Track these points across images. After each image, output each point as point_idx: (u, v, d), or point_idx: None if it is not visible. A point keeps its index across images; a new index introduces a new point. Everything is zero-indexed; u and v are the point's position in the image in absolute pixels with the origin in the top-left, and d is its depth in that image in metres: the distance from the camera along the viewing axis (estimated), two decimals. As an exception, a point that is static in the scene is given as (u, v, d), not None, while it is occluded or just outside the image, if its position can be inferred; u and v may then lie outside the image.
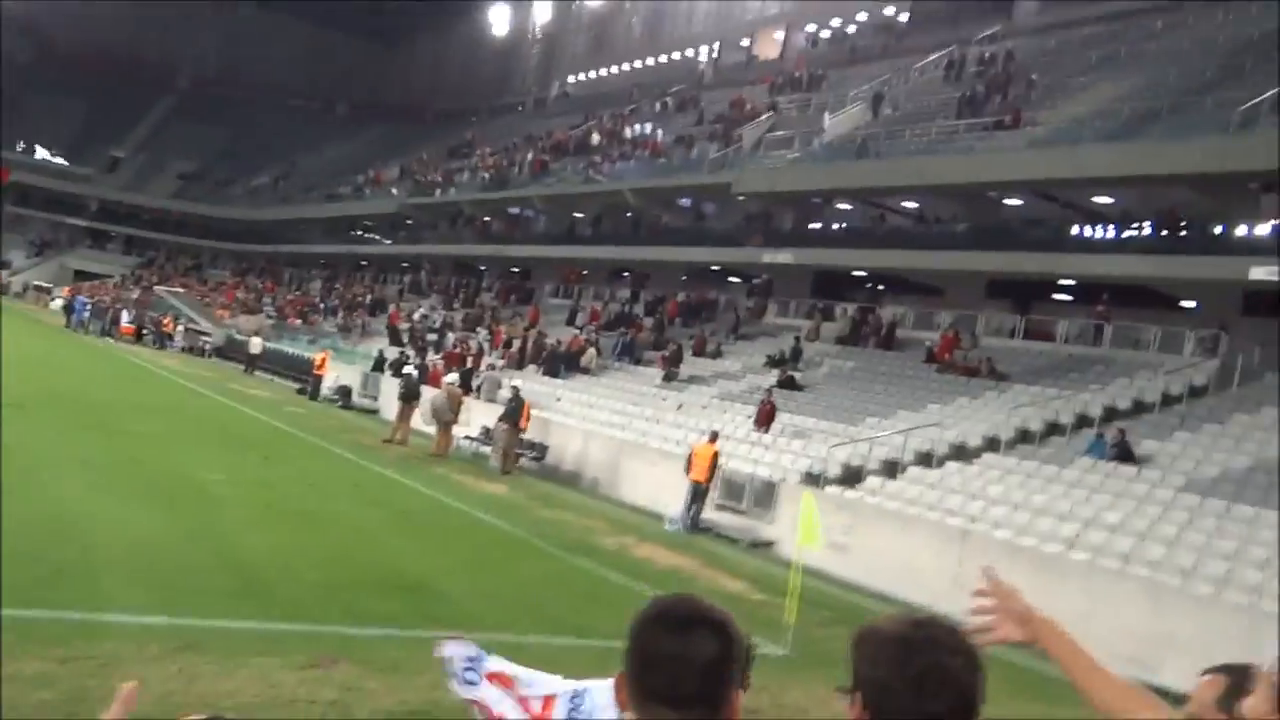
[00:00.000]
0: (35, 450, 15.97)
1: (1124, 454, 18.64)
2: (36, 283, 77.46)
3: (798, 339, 30.28)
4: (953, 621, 2.10)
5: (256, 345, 45.04)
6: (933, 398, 24.06)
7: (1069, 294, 28.81)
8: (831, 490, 19.92)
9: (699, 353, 32.00)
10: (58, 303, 62.93)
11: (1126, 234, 25.93)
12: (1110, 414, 21.11)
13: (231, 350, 49.27)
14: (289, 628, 9.19)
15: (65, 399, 23.09)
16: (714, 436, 21.26)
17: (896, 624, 2.05)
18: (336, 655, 8.60)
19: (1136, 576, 14.91)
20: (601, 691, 3.12)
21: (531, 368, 33.85)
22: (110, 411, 22.40)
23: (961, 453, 20.94)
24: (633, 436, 25.48)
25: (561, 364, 32.99)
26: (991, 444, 20.95)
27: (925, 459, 20.85)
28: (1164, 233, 24.53)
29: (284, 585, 10.75)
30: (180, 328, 53.71)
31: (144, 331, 52.74)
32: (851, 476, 20.79)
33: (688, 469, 20.68)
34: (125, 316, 53.59)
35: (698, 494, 20.60)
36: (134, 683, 1.86)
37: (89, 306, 55.65)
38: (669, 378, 29.92)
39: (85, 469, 15.23)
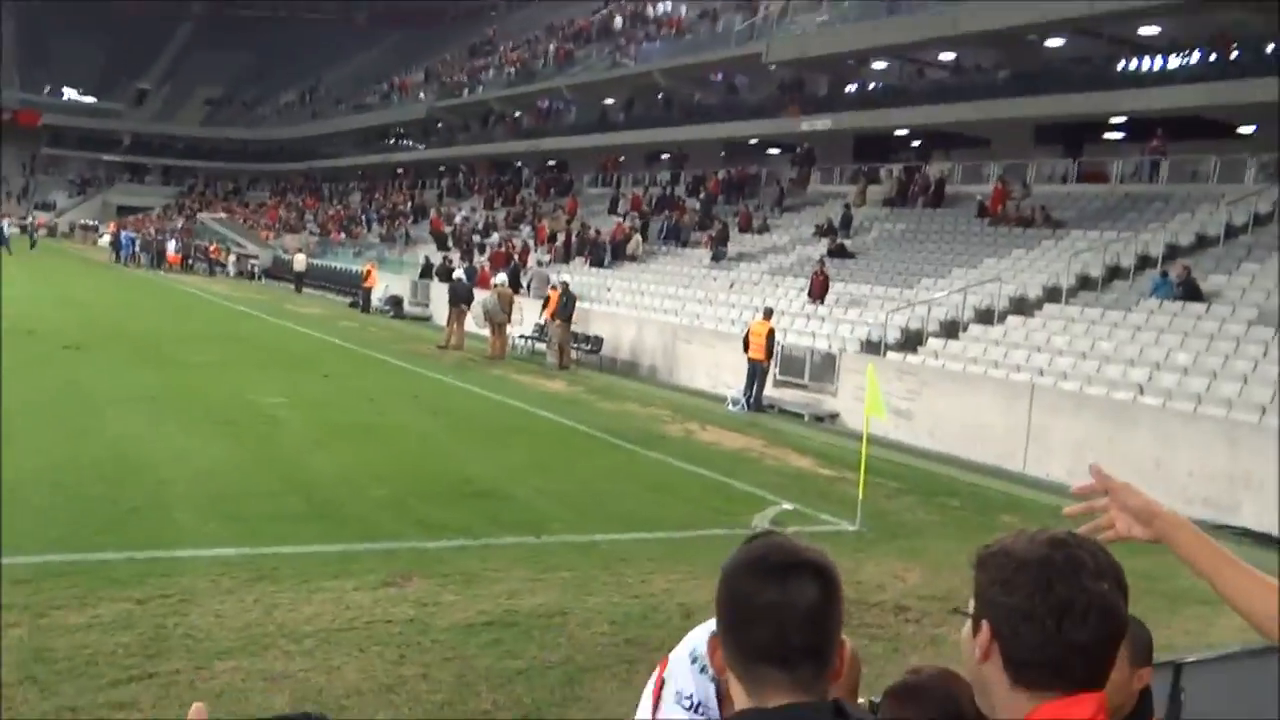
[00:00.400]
0: (98, 390, 16.17)
1: (1190, 292, 18.10)
2: (82, 221, 78.33)
3: (846, 206, 29.66)
4: (1095, 539, 1.86)
5: (301, 263, 45.26)
6: (988, 252, 23.53)
7: (1120, 132, 27.78)
8: (892, 356, 19.64)
9: (745, 229, 31.51)
10: (105, 239, 63.51)
11: (1176, 63, 24.81)
12: (1173, 252, 20.47)
13: (279, 270, 49.56)
14: (361, 547, 9.22)
15: (122, 336, 23.35)
16: (769, 313, 20.99)
17: (1032, 544, 1.79)
18: (410, 571, 8.63)
19: (1210, 417, 14.56)
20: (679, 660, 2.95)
21: (578, 260, 33.62)
22: (167, 344, 22.57)
23: (1022, 306, 20.50)
24: (686, 320, 25.30)
25: (607, 254, 32.71)
26: (1052, 294, 20.46)
27: (985, 316, 20.45)
28: (1215, 58, 23.41)
29: (352, 504, 10.78)
30: (231, 255, 54.00)
31: (190, 260, 53.15)
32: (911, 341, 20.47)
33: (745, 348, 20.51)
34: (171, 247, 53.99)
35: (757, 373, 20.45)
36: (202, 703, 1.71)
37: (136, 240, 56.15)
38: (717, 257, 29.56)
39: (148, 404, 15.35)
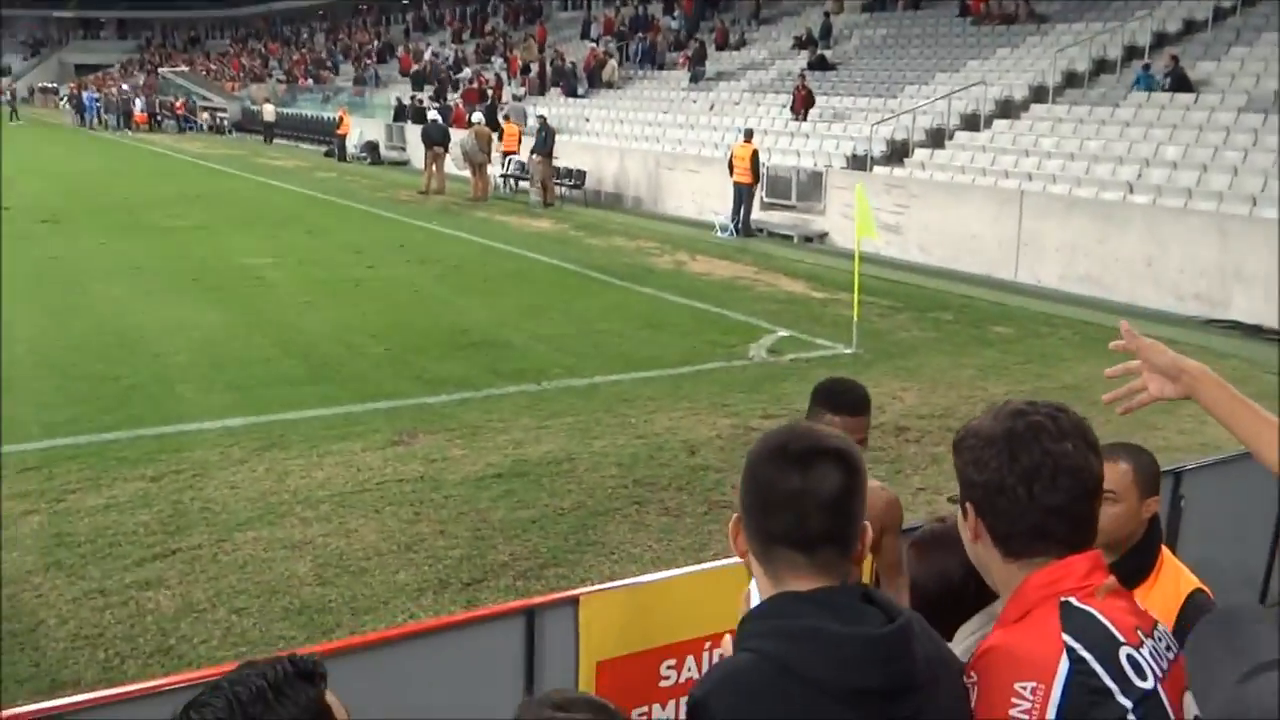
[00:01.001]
0: (81, 264, 16.03)
1: (1179, 82, 17.81)
2: (40, 84, 76.06)
3: (825, 14, 28.85)
4: (1056, 403, 1.89)
5: (270, 113, 44.38)
6: (971, 54, 23.02)
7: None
8: (879, 170, 19.48)
9: (722, 46, 30.73)
10: (65, 102, 61.89)
11: None
12: (1160, 41, 20.08)
13: (249, 123, 48.50)
14: (363, 408, 9.31)
15: (99, 205, 23.04)
16: (749, 135, 20.67)
17: (996, 420, 1.86)
18: (415, 428, 8.75)
19: (1201, 211, 14.54)
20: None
21: (554, 91, 32.89)
22: (145, 210, 22.30)
23: (1008, 108, 20.20)
24: (668, 148, 24.94)
25: (583, 82, 31.97)
26: (1038, 94, 20.14)
27: (971, 121, 20.17)
28: None
29: (351, 363, 10.84)
30: (204, 113, 52.65)
31: (159, 118, 51.91)
32: (898, 153, 20.25)
33: (730, 172, 20.29)
34: (138, 105, 52.65)
35: (743, 196, 20.30)
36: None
37: (99, 101, 54.74)
38: (695, 78, 28.93)
39: (134, 275, 15.26)
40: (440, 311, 13.30)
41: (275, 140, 42.92)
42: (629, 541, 6.71)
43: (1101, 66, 20.15)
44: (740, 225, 20.27)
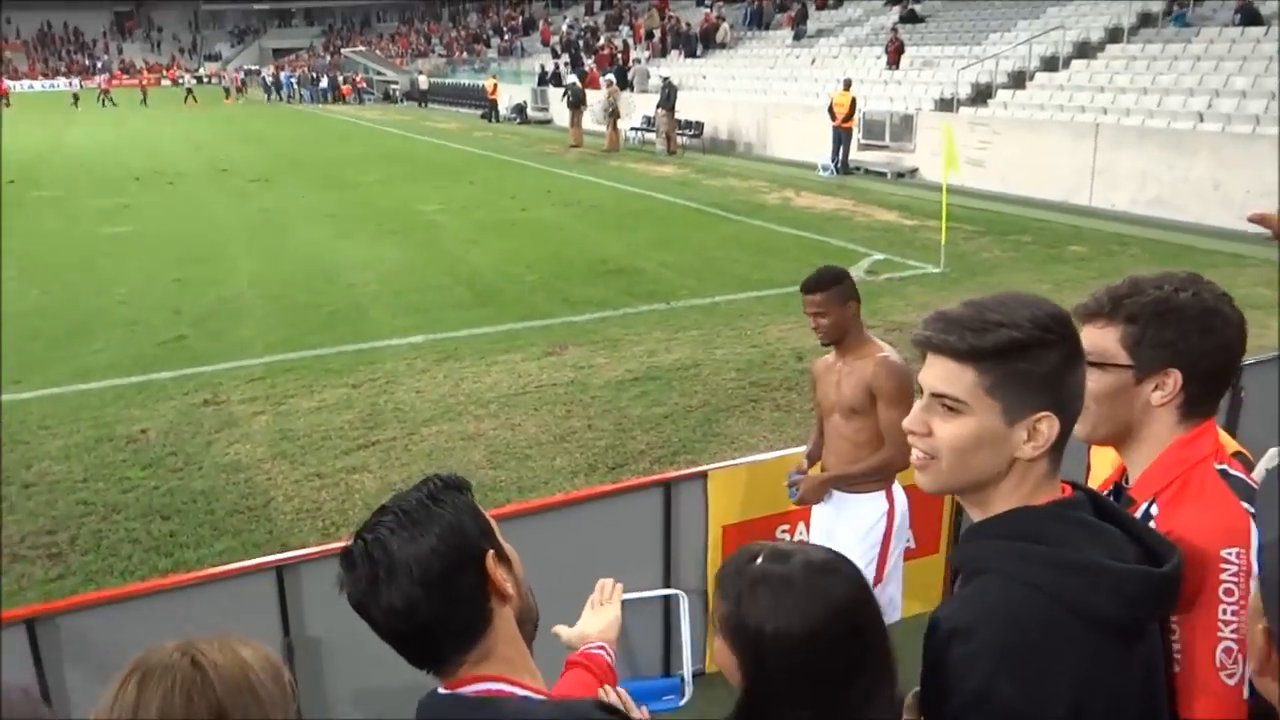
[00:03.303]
0: (287, 214, 16.61)
1: (1249, 17, 16.61)
2: (246, 66, 78.18)
3: (913, -28, 27.59)
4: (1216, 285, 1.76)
5: (424, 82, 45.34)
6: (1051, 1, 21.82)
7: None
8: (964, 111, 18.75)
9: (821, 6, 29.72)
10: (269, 79, 63.51)
11: None
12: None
13: (416, 93, 49.06)
14: (521, 326, 9.51)
15: (298, 165, 23.73)
16: (848, 84, 20.09)
17: (1198, 297, 1.69)
18: (565, 341, 8.92)
19: (1267, 136, 13.62)
20: None
21: (674, 53, 32.40)
22: (336, 167, 22.89)
23: (1085, 50, 19.14)
24: (775, 98, 24.40)
25: (699, 44, 31.40)
26: (1114, 35, 19.02)
27: (1050, 63, 19.19)
28: None
29: (510, 289, 11.06)
30: (374, 81, 53.54)
31: (339, 91, 52.90)
32: (982, 95, 19.44)
33: (831, 117, 19.79)
34: (324, 81, 53.78)
35: (842, 139, 19.81)
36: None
37: (294, 79, 56.06)
38: (798, 36, 28.13)
39: (330, 222, 15.75)
40: (582, 245, 13.41)
41: (437, 106, 43.39)
42: (747, 433, 6.77)
43: (1174, 4, 18.89)
44: (840, 164, 19.81)
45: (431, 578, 1.40)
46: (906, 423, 1.48)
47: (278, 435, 6.98)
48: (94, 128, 36.32)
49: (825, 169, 19.89)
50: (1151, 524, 1.62)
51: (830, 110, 19.80)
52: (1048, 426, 1.41)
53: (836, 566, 1.48)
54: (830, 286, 3.62)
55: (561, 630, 2.03)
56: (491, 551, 1.47)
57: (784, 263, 11.91)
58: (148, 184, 20.74)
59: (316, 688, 3.58)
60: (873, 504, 3.70)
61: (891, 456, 3.56)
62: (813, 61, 25.88)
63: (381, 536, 1.42)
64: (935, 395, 1.43)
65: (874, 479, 3.66)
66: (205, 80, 64.17)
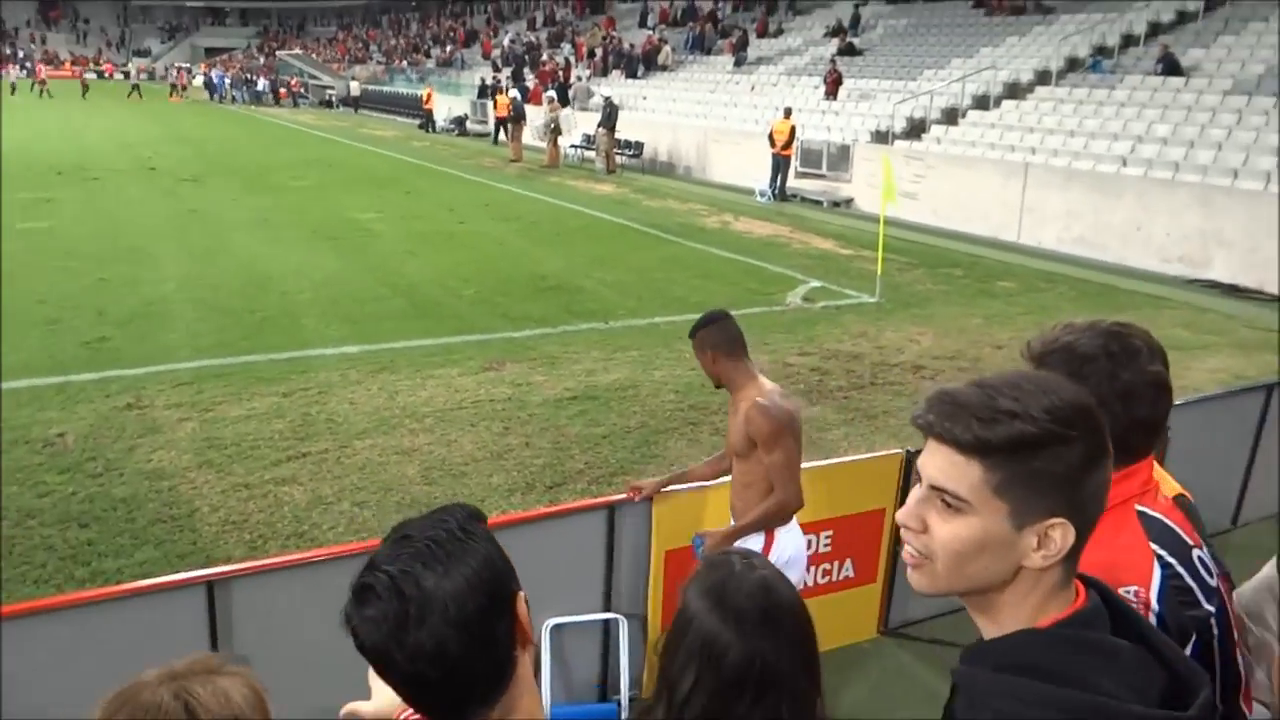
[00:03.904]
0: (218, 217, 16.22)
1: (1170, 67, 17.27)
2: (177, 64, 76.38)
3: (855, 5, 28.20)
4: (1141, 328, 1.84)
5: (355, 88, 45.20)
6: (984, 41, 22.45)
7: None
8: (899, 144, 19.14)
9: (762, 34, 30.19)
10: (199, 79, 62.17)
11: None
12: (1155, 30, 19.44)
13: (351, 99, 48.49)
14: (459, 339, 9.40)
15: (231, 167, 23.21)
16: (788, 112, 20.37)
17: (1091, 338, 1.76)
18: (503, 358, 8.83)
19: (1187, 183, 14.17)
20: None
21: (615, 73, 32.55)
22: (268, 171, 22.45)
23: (1015, 90, 19.70)
24: (715, 123, 24.64)
25: (640, 65, 31.60)
26: (1043, 77, 19.61)
27: (982, 102, 19.72)
28: None
29: (447, 302, 10.93)
30: (309, 86, 52.77)
31: (276, 95, 52.04)
32: (916, 129, 19.87)
33: (771, 144, 20.05)
34: (261, 83, 52.82)
35: (780, 165, 20.07)
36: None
37: (226, 79, 54.95)
38: (739, 63, 28.47)
39: (262, 227, 15.42)
40: (521, 260, 13.33)
41: (374, 114, 42.97)
42: (686, 455, 6.76)
43: (1101, 53, 19.57)
44: (777, 191, 20.06)
45: (466, 617, 1.25)
46: (900, 516, 1.31)
47: (204, 443, 6.77)
48: (22, 118, 35.07)
49: (763, 194, 20.12)
50: None
51: (770, 137, 20.07)
52: (1061, 535, 1.23)
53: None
54: (692, 336, 3.71)
55: (361, 707, 1.77)
56: (522, 592, 1.35)
57: (722, 286, 11.99)
58: (71, 179, 20.08)
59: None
60: (751, 545, 3.58)
61: (782, 501, 3.53)
62: (752, 88, 26.21)
63: (413, 570, 1.26)
64: (934, 488, 1.26)
65: (772, 525, 3.59)
66: (131, 76, 62.26)
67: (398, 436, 6.98)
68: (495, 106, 30.98)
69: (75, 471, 6.29)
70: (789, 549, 3.58)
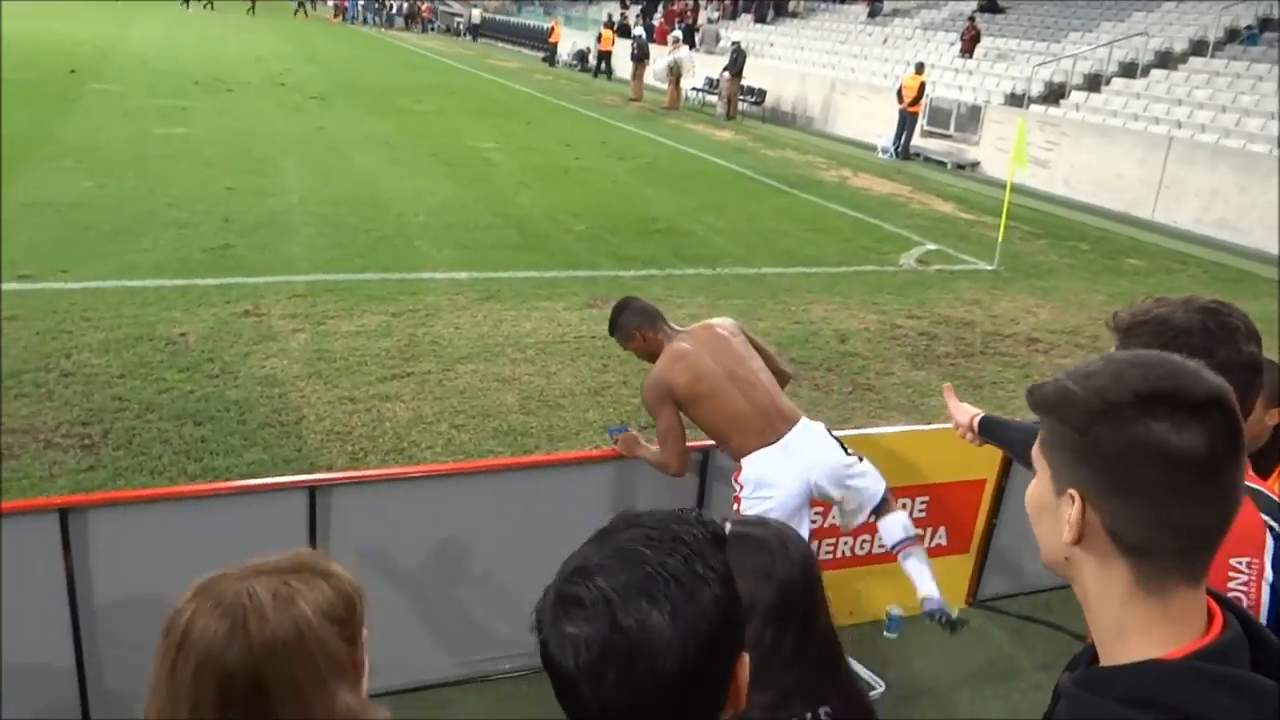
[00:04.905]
0: (342, 135, 16.57)
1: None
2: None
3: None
4: (1238, 308, 1.76)
5: (476, 16, 45.25)
6: (1138, 5, 21.23)
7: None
8: (1034, 109, 18.34)
9: (901, -15, 29.14)
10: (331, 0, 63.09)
11: None
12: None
13: (472, 26, 48.72)
14: (566, 274, 9.45)
15: (358, 88, 23.63)
16: (920, 68, 19.70)
17: (1187, 311, 1.70)
18: (607, 295, 8.82)
19: (1347, 169, 13.25)
20: None
21: (744, 16, 31.93)
22: (395, 95, 22.77)
23: (1167, 59, 18.65)
24: (842, 74, 24.01)
25: (770, 9, 30.91)
26: (1198, 47, 18.51)
27: (1129, 69, 18.73)
28: None
29: (557, 237, 10.98)
30: (439, 11, 53.15)
31: (407, 19, 52.61)
32: (1054, 93, 19.01)
33: (899, 99, 19.45)
34: (393, 6, 53.45)
35: (907, 123, 19.48)
36: None
37: (360, 2, 55.73)
38: (873, 14, 27.60)
39: (384, 148, 15.70)
40: (633, 200, 13.29)
41: (500, 44, 43.12)
42: (783, 408, 6.68)
43: (1266, 25, 18.34)
44: (901, 149, 19.50)
45: (680, 673, 1.02)
46: None
47: (314, 354, 6.98)
48: (173, 31, 36.32)
49: (885, 151, 19.59)
50: None
51: (898, 92, 19.47)
52: (1073, 509, 1.14)
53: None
54: (615, 331, 4.01)
55: None
56: (746, 654, 1.12)
57: (835, 241, 11.75)
58: (207, 89, 20.75)
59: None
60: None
61: (662, 462, 3.81)
62: (885, 41, 25.42)
63: (634, 601, 1.02)
64: None
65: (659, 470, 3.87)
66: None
67: (499, 364, 7.07)
68: (600, 40, 31.73)
69: (194, 371, 6.56)
70: (751, 471, 3.78)
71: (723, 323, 4.02)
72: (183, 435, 5.69)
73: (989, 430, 2.59)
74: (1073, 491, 1.14)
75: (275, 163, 13.71)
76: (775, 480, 3.74)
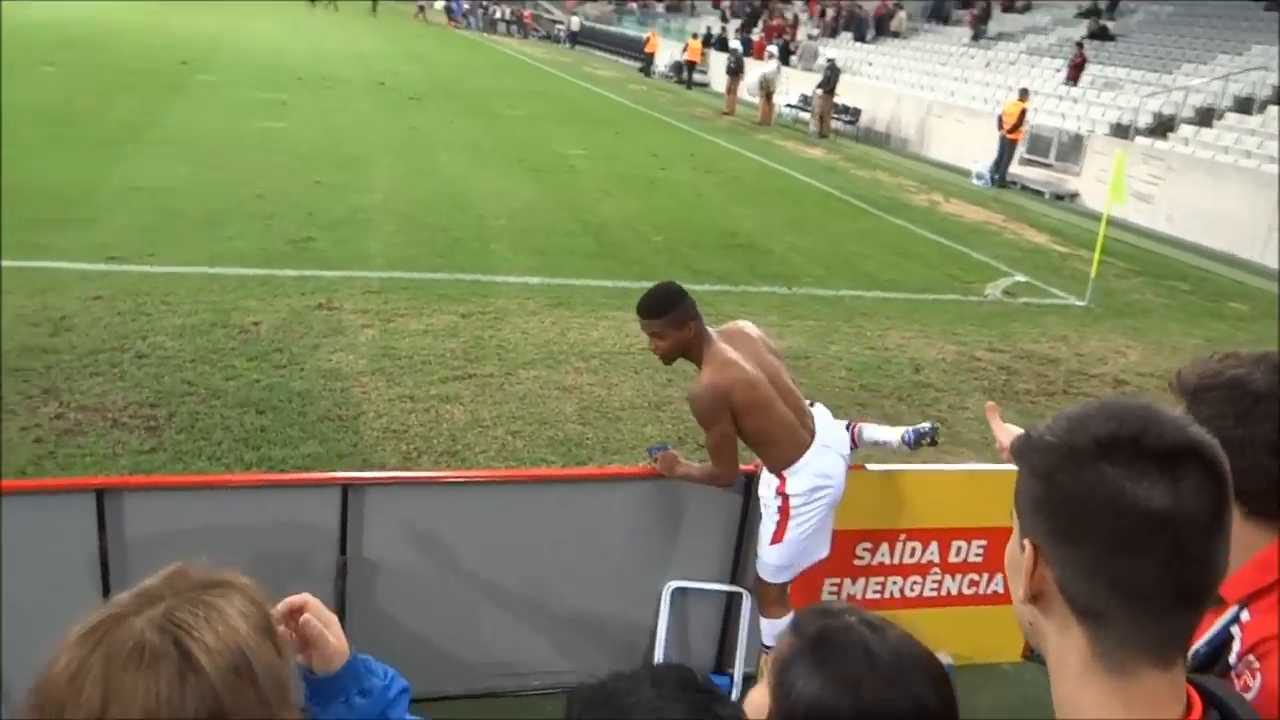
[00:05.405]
0: (433, 136, 16.83)
1: None
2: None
3: (1113, -13, 26.17)
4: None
5: (575, 24, 45.99)
6: (1258, 37, 20.31)
7: None
8: (1140, 141, 17.71)
9: (1007, 8, 28.47)
10: (439, 4, 64.41)
11: None
12: None
13: (571, 33, 49.19)
14: (639, 285, 9.33)
15: (454, 90, 24.02)
16: (1024, 94, 19.19)
17: (1263, 373, 1.46)
18: (679, 309, 8.74)
19: None
20: None
21: (845, 34, 31.59)
22: (488, 98, 23.08)
23: (1285, 96, 17.84)
24: (941, 97, 23.55)
25: (871, 28, 30.52)
26: (1321, 85, 17.67)
27: (1245, 104, 17.95)
28: None
29: (634, 247, 10.95)
30: (540, 18, 53.85)
31: (510, 25, 53.39)
32: (1163, 126, 18.32)
33: (999, 125, 18.98)
34: (498, 12, 54.32)
35: (1005, 149, 18.98)
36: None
37: (464, 4, 56.77)
38: (977, 36, 27.03)
39: (472, 151, 15.89)
40: (715, 214, 13.19)
41: (598, 53, 43.46)
42: (847, 436, 6.50)
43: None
44: (997, 177, 19.01)
45: None
46: None
47: (380, 351, 7.04)
48: (282, 26, 37.50)
49: (980, 178, 19.12)
50: (1237, 629, 1.43)
51: (999, 118, 18.99)
52: (1028, 560, 1.04)
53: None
54: (662, 313, 3.66)
55: None
56: None
57: (919, 267, 11.47)
58: (309, 85, 21.30)
59: (365, 608, 3.55)
60: (767, 480, 3.77)
61: (713, 474, 3.72)
62: (987, 64, 24.86)
63: None
64: None
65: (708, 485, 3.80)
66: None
67: (561, 372, 7.03)
68: (687, 49, 32.59)
69: (262, 360, 6.66)
70: (797, 485, 3.67)
71: (746, 324, 3.87)
72: (244, 423, 5.77)
73: None
74: (1026, 541, 1.05)
75: (365, 160, 13.97)
76: (827, 472, 3.70)
